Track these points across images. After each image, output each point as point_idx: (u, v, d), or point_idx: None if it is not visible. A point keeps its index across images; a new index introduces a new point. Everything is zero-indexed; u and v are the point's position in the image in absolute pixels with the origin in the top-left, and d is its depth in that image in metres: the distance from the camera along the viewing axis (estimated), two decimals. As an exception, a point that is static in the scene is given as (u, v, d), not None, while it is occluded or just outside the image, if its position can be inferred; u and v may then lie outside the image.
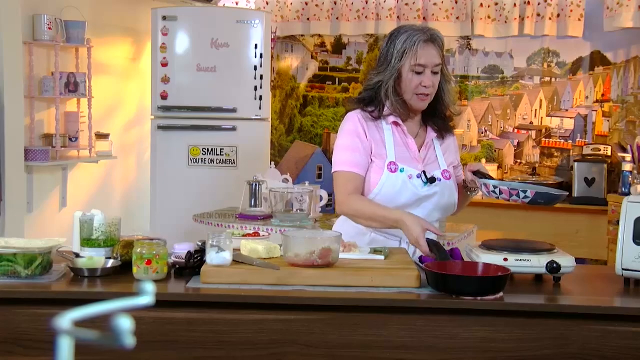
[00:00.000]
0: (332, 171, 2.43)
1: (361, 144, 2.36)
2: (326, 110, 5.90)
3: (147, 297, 0.78)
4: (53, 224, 4.51)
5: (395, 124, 2.39)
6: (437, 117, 2.45)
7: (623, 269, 2.04)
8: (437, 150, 2.45)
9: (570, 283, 2.08)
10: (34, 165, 4.27)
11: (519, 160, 5.43)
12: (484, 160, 5.34)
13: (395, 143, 2.38)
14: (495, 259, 2.06)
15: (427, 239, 2.18)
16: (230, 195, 4.37)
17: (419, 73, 2.31)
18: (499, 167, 5.37)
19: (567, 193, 2.11)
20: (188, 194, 4.89)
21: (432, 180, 2.35)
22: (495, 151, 5.47)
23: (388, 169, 2.34)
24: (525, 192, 2.11)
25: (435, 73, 2.33)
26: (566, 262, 2.05)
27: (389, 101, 2.36)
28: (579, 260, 2.17)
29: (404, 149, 2.39)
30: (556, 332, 1.87)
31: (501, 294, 1.90)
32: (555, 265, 2.03)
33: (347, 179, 2.35)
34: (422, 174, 2.35)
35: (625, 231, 2.03)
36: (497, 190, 2.18)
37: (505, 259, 2.05)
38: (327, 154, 5.39)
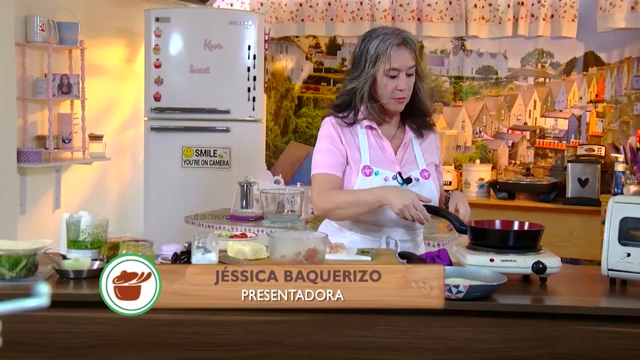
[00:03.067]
0: (311, 175, 2.43)
1: (335, 146, 2.36)
2: (321, 111, 5.88)
3: (41, 299, 0.78)
4: (47, 225, 4.51)
5: (370, 127, 2.39)
6: (415, 116, 2.45)
7: (608, 269, 2.04)
8: (415, 150, 2.44)
9: (557, 283, 2.08)
10: (27, 167, 4.27)
11: (513, 161, 5.42)
12: (477, 161, 5.33)
13: (369, 146, 2.38)
14: (481, 259, 2.06)
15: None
16: (223, 196, 4.37)
17: (393, 77, 2.31)
18: (493, 168, 5.37)
19: (505, 280, 1.92)
20: (181, 195, 4.88)
21: (408, 181, 2.34)
22: (489, 152, 5.46)
23: (362, 173, 2.34)
24: (457, 287, 1.86)
25: (409, 75, 2.33)
26: (552, 262, 2.05)
27: (364, 106, 2.36)
28: (572, 261, 2.18)
29: (379, 151, 2.38)
30: (542, 333, 1.87)
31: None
32: (541, 265, 2.03)
33: (323, 180, 2.36)
34: (398, 175, 2.35)
35: (610, 231, 2.03)
36: None
37: (491, 260, 2.05)
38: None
